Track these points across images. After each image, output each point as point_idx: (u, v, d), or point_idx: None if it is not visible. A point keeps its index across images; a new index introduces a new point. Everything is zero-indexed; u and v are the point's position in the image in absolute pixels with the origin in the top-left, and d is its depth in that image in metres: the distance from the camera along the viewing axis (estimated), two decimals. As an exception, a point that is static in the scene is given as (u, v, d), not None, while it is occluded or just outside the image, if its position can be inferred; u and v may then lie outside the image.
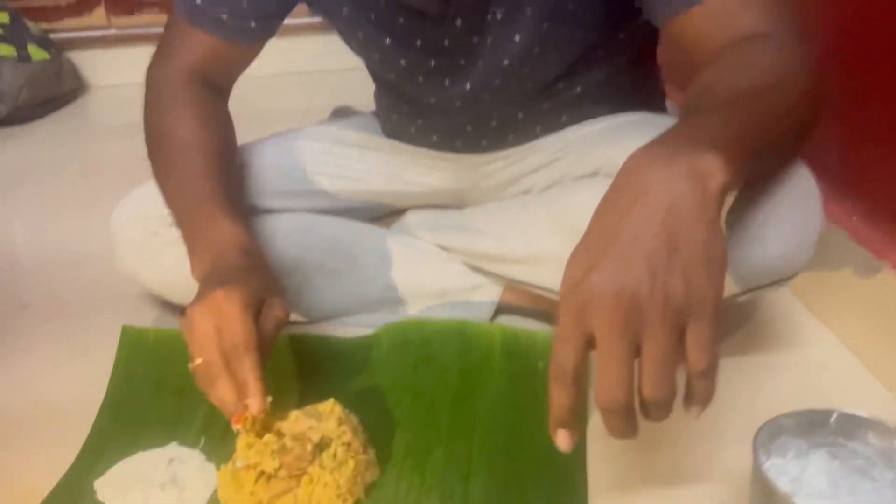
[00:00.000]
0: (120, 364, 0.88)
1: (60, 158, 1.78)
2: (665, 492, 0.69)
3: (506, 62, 0.83)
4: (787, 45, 0.65)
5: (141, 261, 0.95)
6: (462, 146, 0.96)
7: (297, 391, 0.82)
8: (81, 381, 0.92)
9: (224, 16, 0.86)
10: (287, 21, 0.93)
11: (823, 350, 0.90)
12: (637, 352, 0.49)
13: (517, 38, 0.80)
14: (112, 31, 2.19)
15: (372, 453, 0.72)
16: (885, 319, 0.84)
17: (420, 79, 0.89)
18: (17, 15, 2.04)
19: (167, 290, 0.96)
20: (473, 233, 0.94)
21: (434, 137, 0.97)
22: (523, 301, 0.95)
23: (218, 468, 0.73)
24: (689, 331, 0.49)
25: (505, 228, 0.91)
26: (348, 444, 0.70)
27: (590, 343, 0.50)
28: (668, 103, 1.04)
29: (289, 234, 0.94)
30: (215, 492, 0.71)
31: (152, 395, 0.85)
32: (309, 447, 0.68)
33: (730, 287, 0.72)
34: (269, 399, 0.67)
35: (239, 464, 0.68)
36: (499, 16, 0.80)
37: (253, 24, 0.88)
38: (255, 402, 0.66)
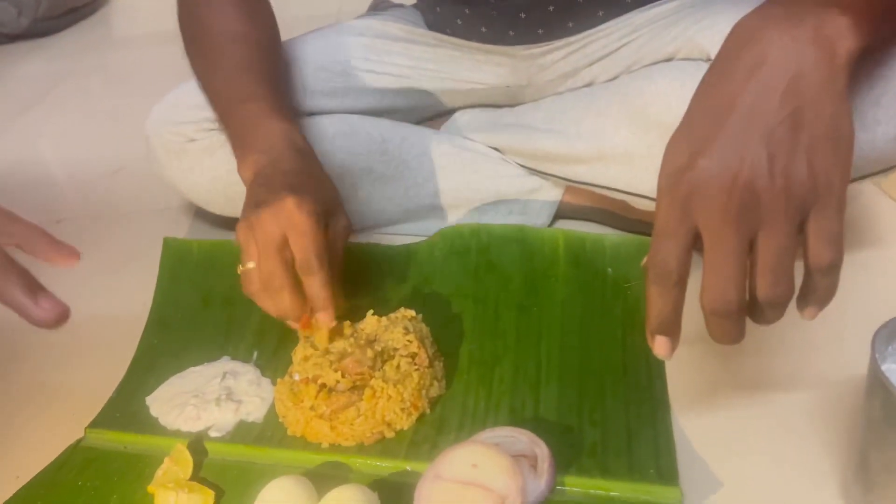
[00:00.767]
0: (164, 278, 0.84)
1: (85, 70, 1.72)
2: (754, 399, 0.64)
3: None
4: None
5: (178, 168, 0.89)
6: (515, 37, 0.88)
7: (349, 300, 0.78)
8: (123, 295, 0.89)
9: None
10: None
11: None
12: (751, 246, 0.43)
13: None
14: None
15: (439, 366, 0.68)
16: None
17: None
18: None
19: (205, 199, 0.91)
20: (531, 131, 0.87)
21: (483, 29, 0.89)
22: (586, 206, 0.89)
23: (273, 382, 0.70)
24: (811, 221, 0.43)
25: (566, 124, 0.83)
26: (413, 356, 0.66)
27: (695, 238, 0.44)
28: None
29: (334, 136, 0.88)
30: (272, 406, 0.68)
31: (200, 309, 0.81)
32: (370, 354, 0.64)
33: None
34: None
35: (296, 377, 0.65)
36: None
37: None
38: (327, 317, 0.64)
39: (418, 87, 0.93)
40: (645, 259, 0.49)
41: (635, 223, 0.86)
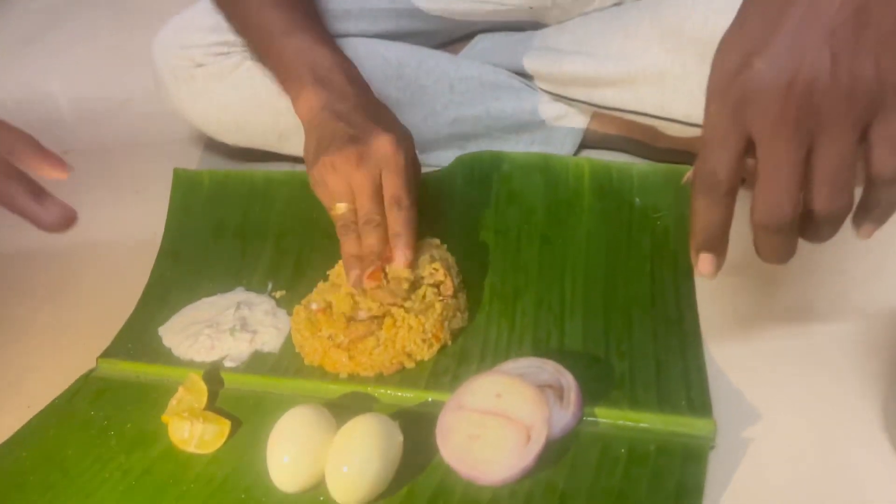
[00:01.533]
0: (175, 209, 0.82)
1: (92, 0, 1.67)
2: (790, 330, 0.61)
3: None
4: None
5: (187, 95, 0.86)
6: None
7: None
8: (133, 227, 0.87)
9: None
10: None
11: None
12: (808, 155, 0.40)
13: None
14: None
15: (462, 298, 0.66)
16: None
17: None
18: None
19: (215, 128, 0.88)
20: (556, 53, 0.82)
21: None
22: (613, 130, 0.85)
23: (289, 313, 0.68)
24: (876, 127, 0.39)
25: (594, 46, 0.79)
26: (439, 285, 0.63)
27: (748, 147, 0.41)
28: None
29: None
30: (289, 337, 0.66)
31: (212, 240, 0.79)
32: (405, 286, 0.62)
33: None
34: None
35: (314, 305, 0.62)
36: None
37: None
38: (406, 257, 0.62)
39: (437, 8, 0.88)
40: (688, 174, 0.45)
41: (664, 153, 0.82)
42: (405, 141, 0.65)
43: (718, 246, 0.45)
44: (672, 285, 0.66)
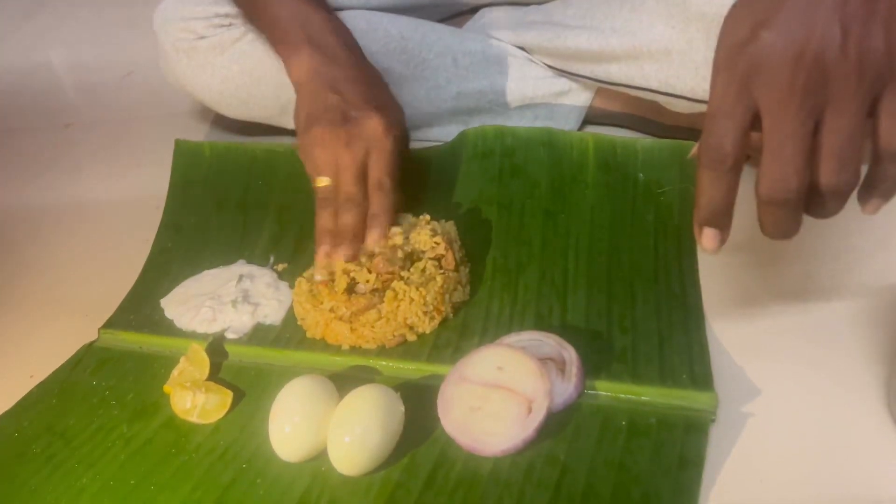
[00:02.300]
0: (176, 180, 0.82)
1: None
2: (793, 307, 0.61)
3: None
4: None
5: (188, 67, 0.85)
6: None
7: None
8: (135, 199, 0.87)
9: None
10: None
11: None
12: (816, 128, 0.39)
13: None
14: None
15: (465, 272, 0.66)
16: None
17: None
18: None
19: (216, 101, 0.87)
20: (560, 28, 0.81)
21: None
22: (618, 107, 0.84)
23: (291, 286, 0.68)
24: (884, 100, 0.39)
25: (598, 20, 0.78)
26: (440, 259, 0.63)
27: (754, 119, 0.41)
28: None
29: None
30: (290, 310, 0.66)
31: (214, 212, 0.79)
32: (400, 254, 0.62)
33: None
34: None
35: (317, 277, 0.62)
36: None
37: None
38: (378, 238, 0.63)
39: (441, -18, 0.88)
40: (693, 149, 0.45)
41: (669, 129, 0.81)
42: (396, 118, 0.65)
43: (722, 221, 0.44)
44: (675, 260, 0.65)
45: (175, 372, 0.60)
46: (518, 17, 0.88)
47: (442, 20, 0.92)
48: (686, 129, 0.79)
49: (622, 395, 0.55)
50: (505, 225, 0.72)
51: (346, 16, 0.84)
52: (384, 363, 0.60)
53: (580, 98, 0.85)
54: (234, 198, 0.79)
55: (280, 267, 0.72)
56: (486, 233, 0.71)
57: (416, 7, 0.88)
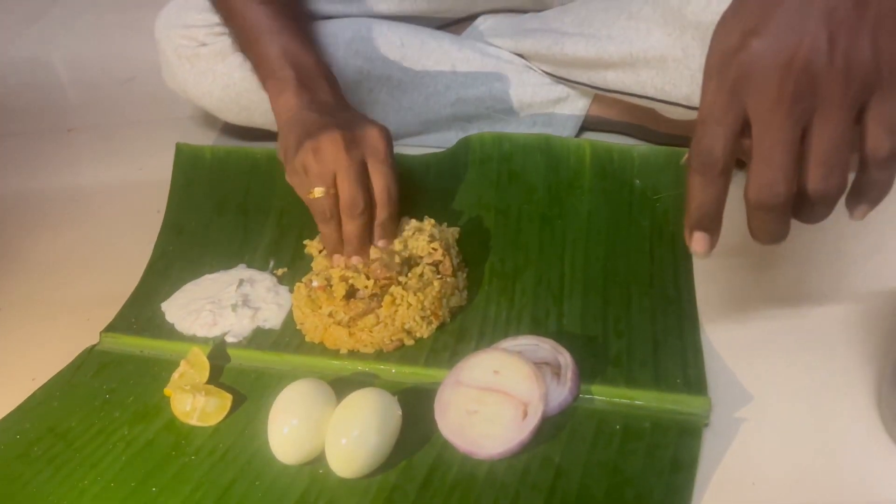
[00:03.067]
0: (177, 184, 0.82)
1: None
2: (786, 311, 0.61)
3: None
4: None
5: (190, 74, 0.86)
6: None
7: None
8: (136, 202, 0.88)
9: None
10: None
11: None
12: (804, 134, 0.40)
13: None
14: None
15: (462, 277, 0.67)
16: None
17: None
18: None
19: (217, 107, 0.88)
20: (558, 35, 0.82)
21: None
22: (615, 114, 0.85)
23: (290, 290, 0.69)
24: (871, 107, 0.40)
25: (596, 27, 0.79)
26: (438, 264, 0.64)
27: (744, 126, 0.41)
28: None
29: (351, 41, 0.84)
30: (290, 314, 0.67)
31: (215, 217, 0.79)
32: (398, 259, 0.62)
33: None
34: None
35: (315, 283, 0.63)
36: None
37: None
38: (387, 246, 0.65)
39: (440, -10, 0.88)
40: (686, 155, 0.46)
41: (665, 136, 0.82)
42: (389, 135, 0.66)
43: (712, 225, 0.45)
44: (671, 265, 0.66)
45: (175, 375, 0.60)
46: (516, 24, 0.89)
47: (441, 27, 0.93)
48: (682, 136, 0.80)
49: (617, 399, 0.55)
50: (502, 230, 0.72)
51: (346, 23, 0.85)
52: (382, 367, 0.61)
53: (578, 105, 0.86)
54: (234, 201, 0.80)
55: (280, 271, 0.72)
56: (484, 238, 0.72)
57: (416, 15, 0.89)
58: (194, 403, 0.57)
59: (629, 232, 0.70)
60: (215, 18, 0.83)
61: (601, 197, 0.73)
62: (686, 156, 0.46)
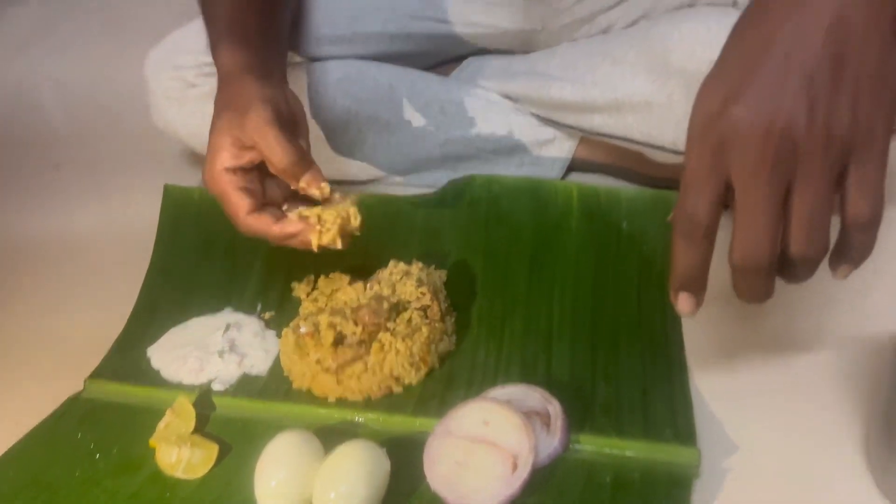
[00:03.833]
0: (165, 225, 0.82)
1: (86, 9, 1.67)
2: (773, 357, 0.62)
3: None
4: None
5: (178, 115, 0.86)
6: None
7: (354, 251, 0.76)
8: (123, 243, 0.87)
9: None
10: None
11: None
12: (785, 198, 0.41)
13: None
14: None
15: (450, 321, 0.67)
16: None
17: None
18: None
19: (205, 147, 0.88)
20: (545, 78, 0.83)
21: None
22: (601, 156, 0.86)
23: (278, 335, 0.69)
24: (851, 172, 0.40)
25: (582, 72, 0.80)
26: (426, 309, 0.64)
27: (727, 190, 0.42)
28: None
29: (339, 81, 0.84)
30: (277, 359, 0.67)
31: (202, 258, 0.79)
32: (386, 305, 0.62)
33: None
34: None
35: (302, 329, 0.63)
36: None
37: None
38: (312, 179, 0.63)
39: (428, 32, 0.89)
40: (672, 214, 0.46)
41: (651, 179, 0.83)
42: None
43: (697, 286, 0.46)
44: (659, 309, 0.66)
45: (161, 425, 0.60)
46: (504, 66, 0.90)
47: (429, 68, 0.93)
48: (669, 178, 0.80)
49: (606, 450, 0.55)
50: (491, 273, 0.73)
51: (335, 64, 0.86)
52: (371, 416, 0.60)
53: (565, 146, 0.87)
54: (222, 243, 0.79)
55: (267, 315, 0.72)
56: (473, 281, 0.72)
57: (405, 55, 0.90)
58: (179, 455, 0.57)
59: (617, 275, 0.70)
60: (205, 59, 0.83)
61: (589, 239, 0.74)
62: (672, 214, 0.46)
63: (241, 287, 0.75)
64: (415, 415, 0.60)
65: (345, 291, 0.69)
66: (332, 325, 0.62)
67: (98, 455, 0.60)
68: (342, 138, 0.87)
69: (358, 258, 0.70)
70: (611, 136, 0.79)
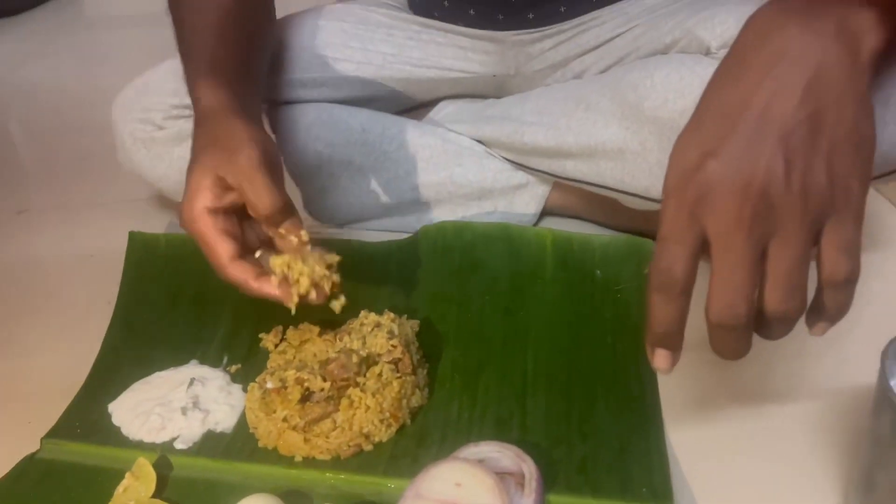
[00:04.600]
0: (129, 274, 0.80)
1: (56, 50, 1.67)
2: (750, 411, 0.61)
3: None
4: None
5: (146, 157, 0.85)
6: (504, 21, 0.84)
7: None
8: (86, 292, 0.85)
9: None
10: None
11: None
12: (762, 255, 0.40)
13: None
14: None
15: (423, 374, 0.65)
16: None
17: None
18: None
19: (174, 189, 0.87)
20: (518, 123, 0.83)
21: (471, 11, 0.85)
22: (574, 202, 0.85)
23: (244, 389, 0.66)
24: (827, 230, 0.40)
25: (555, 117, 0.79)
26: (397, 362, 0.62)
27: (703, 245, 0.41)
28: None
29: (311, 125, 0.83)
30: (243, 414, 0.64)
31: (168, 308, 0.77)
32: (355, 359, 0.60)
33: None
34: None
35: (269, 385, 0.61)
36: None
37: None
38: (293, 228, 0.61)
39: (400, 77, 0.89)
40: (648, 267, 0.45)
41: (625, 224, 0.82)
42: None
43: (673, 343, 0.45)
44: (633, 360, 0.66)
45: (119, 489, 0.57)
46: (477, 110, 0.89)
47: (403, 111, 0.93)
48: (643, 224, 0.80)
49: (582, 511, 0.54)
50: (464, 322, 0.71)
51: (308, 108, 0.85)
52: (340, 476, 0.58)
53: (538, 191, 0.86)
54: (188, 293, 0.77)
55: (233, 368, 0.70)
56: (446, 330, 0.71)
57: (378, 100, 0.90)
58: (138, 521, 0.54)
59: (591, 324, 0.70)
60: (173, 101, 0.82)
61: (563, 288, 0.73)
62: (648, 268, 0.46)
63: (207, 339, 0.73)
64: (386, 475, 0.58)
65: (314, 343, 0.68)
66: (299, 381, 0.60)
67: (54, 521, 0.57)
68: (313, 183, 0.86)
69: (328, 308, 0.68)
70: (584, 182, 0.79)
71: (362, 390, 0.60)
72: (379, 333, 0.64)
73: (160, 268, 0.80)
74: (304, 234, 0.61)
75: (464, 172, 0.86)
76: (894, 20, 0.41)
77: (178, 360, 0.71)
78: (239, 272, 0.60)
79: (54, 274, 0.88)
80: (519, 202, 0.87)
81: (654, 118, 0.68)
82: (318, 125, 0.84)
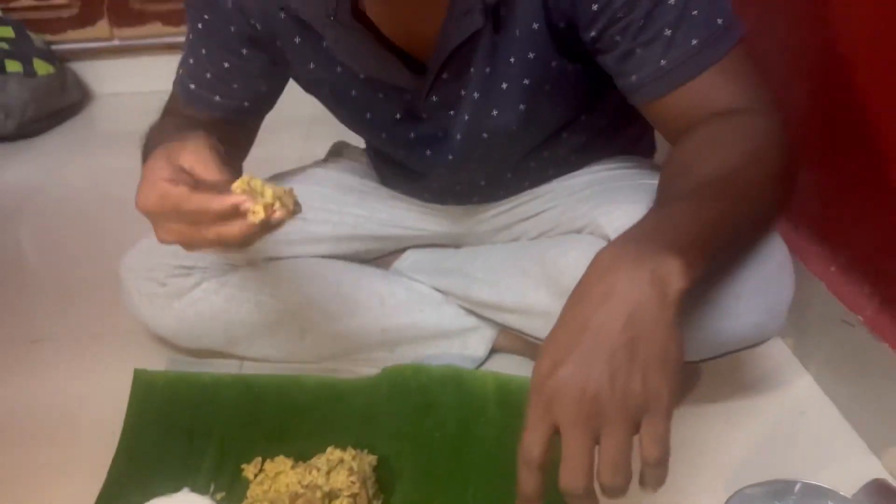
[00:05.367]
0: (133, 409, 0.91)
1: (69, 172, 1.79)
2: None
3: (485, 135, 0.84)
4: (762, 120, 0.68)
5: (149, 309, 0.99)
6: (454, 202, 1.00)
7: (299, 433, 0.87)
8: (93, 422, 0.95)
9: (217, 98, 0.88)
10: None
11: (801, 392, 0.95)
12: (597, 441, 0.53)
13: (495, 112, 0.82)
14: (115, 43, 2.19)
15: (378, 504, 0.76)
16: (858, 368, 0.88)
17: (402, 150, 0.92)
18: (20, 28, 2.05)
19: (173, 335, 1.01)
20: (469, 279, 0.98)
21: (426, 195, 1.01)
22: (517, 345, 1.00)
23: (229, 517, 0.78)
24: (644, 424, 0.53)
25: (497, 276, 0.95)
26: (355, 497, 0.74)
27: (556, 431, 0.55)
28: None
29: (292, 280, 0.98)
30: (227, 541, 0.76)
31: (164, 440, 0.88)
32: (319, 495, 0.72)
33: (703, 353, 0.77)
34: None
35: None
36: (475, 95, 0.81)
37: (246, 104, 0.90)
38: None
39: (372, 234, 1.04)
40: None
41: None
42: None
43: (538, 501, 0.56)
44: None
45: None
46: (435, 262, 1.04)
47: (374, 258, 1.07)
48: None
49: None
50: (418, 460, 0.83)
51: (287, 264, 1.00)
52: None
53: (487, 334, 1.01)
54: (181, 426, 0.89)
55: (219, 496, 0.82)
56: (401, 467, 0.82)
57: (351, 254, 1.04)
58: None
59: (524, 461, 0.82)
60: (175, 262, 0.96)
61: (501, 427, 0.85)
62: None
63: (195, 468, 0.84)
64: None
65: (287, 475, 0.79)
66: None
67: None
68: (291, 327, 0.99)
69: (300, 442, 0.81)
70: (521, 333, 0.93)
71: (323, 525, 0.72)
72: (342, 470, 0.76)
73: (159, 402, 0.92)
74: (255, 178, 0.63)
75: (425, 317, 1.01)
76: (700, 263, 0.56)
77: (173, 487, 0.82)
78: (201, 196, 0.62)
79: (61, 405, 0.97)
80: (471, 343, 1.01)
81: (569, 289, 0.82)
82: (296, 280, 0.98)
